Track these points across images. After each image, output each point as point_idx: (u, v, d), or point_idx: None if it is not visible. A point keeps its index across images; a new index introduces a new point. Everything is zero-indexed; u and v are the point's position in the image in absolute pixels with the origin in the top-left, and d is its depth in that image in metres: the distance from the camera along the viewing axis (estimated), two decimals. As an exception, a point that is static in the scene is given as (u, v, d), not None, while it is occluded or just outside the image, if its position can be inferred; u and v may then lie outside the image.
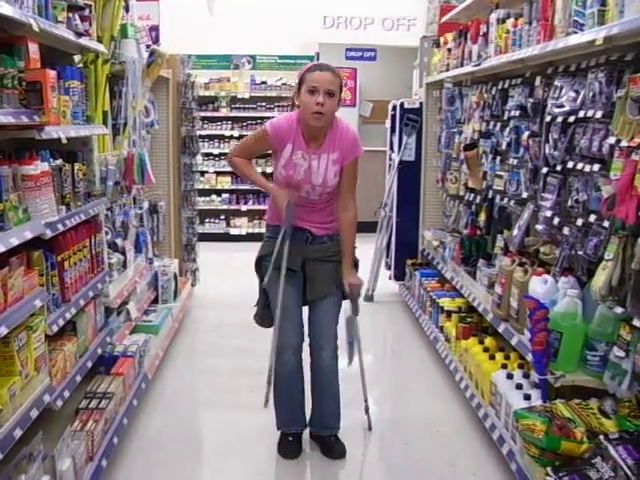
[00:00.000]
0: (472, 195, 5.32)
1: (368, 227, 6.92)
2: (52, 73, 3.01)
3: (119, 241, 4.44)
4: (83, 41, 3.54)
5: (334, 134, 3.47)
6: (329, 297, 3.64)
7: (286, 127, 3.45)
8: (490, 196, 4.80)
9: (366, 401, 4.01)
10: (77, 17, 3.47)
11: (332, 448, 3.73)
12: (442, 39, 6.20)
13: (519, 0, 4.52)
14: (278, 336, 3.61)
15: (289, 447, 3.74)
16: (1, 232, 2.62)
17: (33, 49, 2.92)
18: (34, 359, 2.84)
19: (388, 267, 7.09)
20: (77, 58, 3.84)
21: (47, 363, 3.00)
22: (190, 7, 9.39)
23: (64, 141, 3.18)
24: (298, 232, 3.56)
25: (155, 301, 5.45)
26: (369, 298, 6.75)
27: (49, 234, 2.99)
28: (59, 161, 3.30)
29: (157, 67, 5.09)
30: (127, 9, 4.65)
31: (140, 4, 5.31)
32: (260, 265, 3.68)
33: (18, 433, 2.58)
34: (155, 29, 5.75)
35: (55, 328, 3.06)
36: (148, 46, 5.09)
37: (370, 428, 4.00)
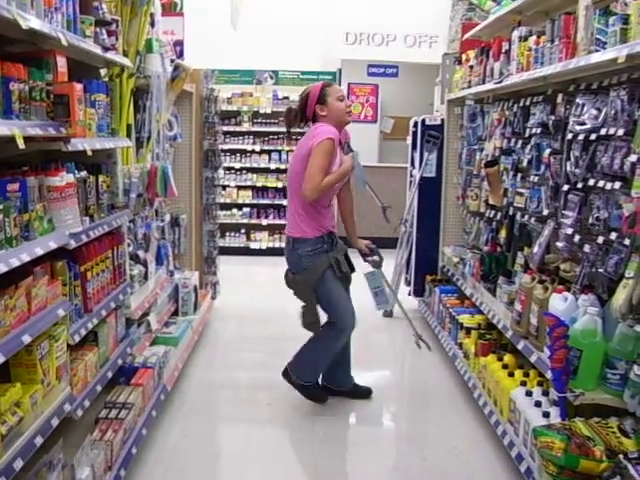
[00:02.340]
0: (493, 212, 5.32)
1: (389, 243, 6.93)
2: (79, 86, 3.05)
3: (141, 253, 4.47)
4: (109, 55, 3.60)
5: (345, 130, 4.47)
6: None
7: (336, 132, 4.16)
8: (511, 213, 4.79)
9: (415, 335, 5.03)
10: (104, 32, 3.52)
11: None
12: (464, 56, 6.21)
13: (541, 18, 4.56)
14: (349, 318, 4.37)
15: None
16: (26, 242, 2.66)
17: (61, 63, 2.97)
18: (56, 368, 2.87)
19: (408, 283, 7.08)
20: (103, 72, 3.89)
21: (68, 372, 3.03)
22: (214, 22, 9.47)
23: (89, 153, 3.22)
24: (327, 238, 4.32)
25: (175, 313, 5.48)
26: (388, 314, 6.74)
27: (73, 244, 3.03)
28: (84, 173, 3.34)
29: (181, 81, 5.15)
30: (152, 24, 4.71)
31: (165, 19, 5.37)
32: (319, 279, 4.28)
33: (39, 441, 2.61)
34: (179, 44, 5.80)
35: (77, 338, 3.10)
36: (172, 60, 5.14)
37: (429, 348, 5.10)
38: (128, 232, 4.12)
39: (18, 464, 2.42)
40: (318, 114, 4.28)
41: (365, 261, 4.62)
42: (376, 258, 4.63)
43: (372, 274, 4.60)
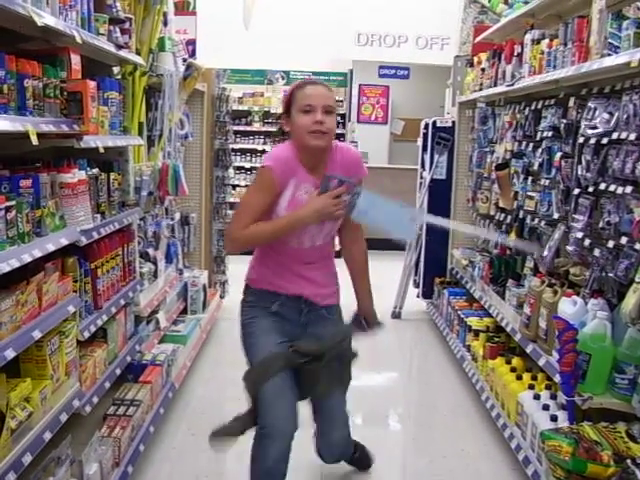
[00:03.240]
0: (503, 215, 5.31)
1: (397, 245, 6.93)
2: (92, 84, 3.07)
3: (150, 251, 4.49)
4: (123, 53, 3.61)
5: (334, 156, 2.92)
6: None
7: (286, 157, 2.84)
8: (521, 216, 4.78)
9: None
10: (118, 30, 3.54)
11: None
12: (476, 59, 6.21)
13: (554, 21, 4.55)
14: (274, 419, 2.90)
15: None
16: (38, 238, 2.68)
17: (75, 60, 2.98)
18: (65, 364, 2.88)
19: (416, 285, 7.07)
20: (116, 70, 3.91)
21: (77, 368, 3.04)
22: (226, 22, 9.49)
23: (101, 151, 3.23)
24: (289, 302, 3.00)
25: (184, 311, 5.49)
26: (396, 315, 6.74)
27: (84, 241, 3.04)
28: (95, 170, 3.36)
29: (193, 80, 5.16)
30: (165, 23, 4.73)
31: (178, 18, 5.40)
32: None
33: (47, 436, 2.63)
34: (192, 43, 5.82)
35: (86, 334, 3.11)
36: (185, 59, 5.16)
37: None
38: (138, 230, 4.14)
39: (27, 459, 2.44)
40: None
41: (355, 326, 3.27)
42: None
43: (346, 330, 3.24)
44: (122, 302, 3.64)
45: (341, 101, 10.00)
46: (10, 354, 2.35)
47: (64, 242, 2.84)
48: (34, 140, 2.49)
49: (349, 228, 3.10)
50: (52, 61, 2.88)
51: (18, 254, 2.43)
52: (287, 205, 2.85)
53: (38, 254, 2.57)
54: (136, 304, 3.99)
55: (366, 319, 3.24)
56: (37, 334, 2.57)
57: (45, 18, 2.63)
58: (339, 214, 2.82)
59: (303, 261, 3.00)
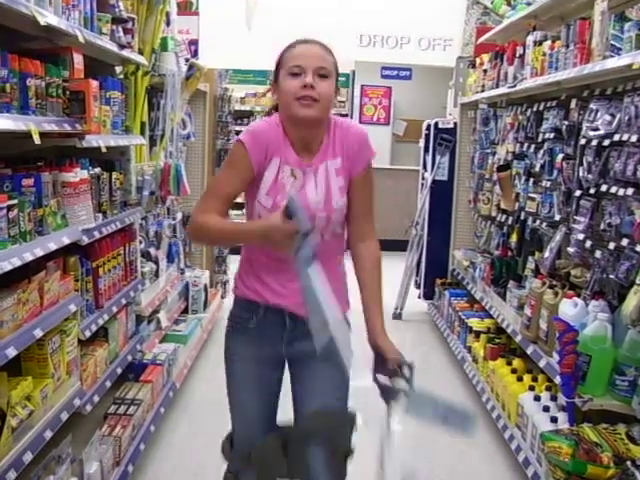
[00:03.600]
0: (504, 216, 5.31)
1: (399, 245, 6.94)
2: (95, 83, 3.07)
3: (152, 250, 4.49)
4: (125, 53, 3.62)
5: (332, 135, 2.36)
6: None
7: (268, 131, 2.31)
8: (522, 218, 4.79)
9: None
10: (120, 29, 3.54)
11: None
12: (478, 60, 6.21)
13: (556, 23, 4.55)
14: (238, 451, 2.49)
15: None
16: (40, 236, 2.69)
17: (78, 59, 2.99)
18: (66, 363, 2.89)
19: (417, 286, 7.07)
20: (118, 69, 3.91)
21: (78, 367, 3.05)
22: (228, 22, 9.47)
23: (104, 150, 3.24)
24: (269, 316, 2.40)
25: (185, 311, 5.49)
26: (397, 316, 6.74)
27: (86, 240, 3.04)
28: (97, 169, 3.37)
29: (195, 80, 5.17)
30: (168, 23, 4.74)
31: (180, 18, 5.40)
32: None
33: (48, 435, 2.63)
34: (194, 43, 5.83)
35: (88, 333, 3.11)
36: (187, 59, 5.16)
37: None
38: (140, 229, 4.14)
39: (27, 457, 2.44)
40: None
41: (381, 391, 2.47)
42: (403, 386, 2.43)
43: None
44: (123, 301, 3.64)
45: (343, 102, 9.99)
46: (11, 352, 2.35)
47: (66, 241, 2.84)
48: (36, 139, 2.49)
49: (355, 226, 2.44)
50: (55, 60, 2.88)
51: (20, 253, 2.43)
52: (268, 190, 2.29)
53: (40, 253, 2.57)
54: (137, 303, 3.99)
55: (397, 363, 2.38)
56: (38, 333, 2.58)
57: (48, 17, 2.63)
58: (282, 250, 2.13)
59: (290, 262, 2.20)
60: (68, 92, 2.91)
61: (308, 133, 2.31)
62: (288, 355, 2.44)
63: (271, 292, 2.38)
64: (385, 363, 2.34)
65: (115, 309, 3.49)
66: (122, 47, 3.57)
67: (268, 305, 2.39)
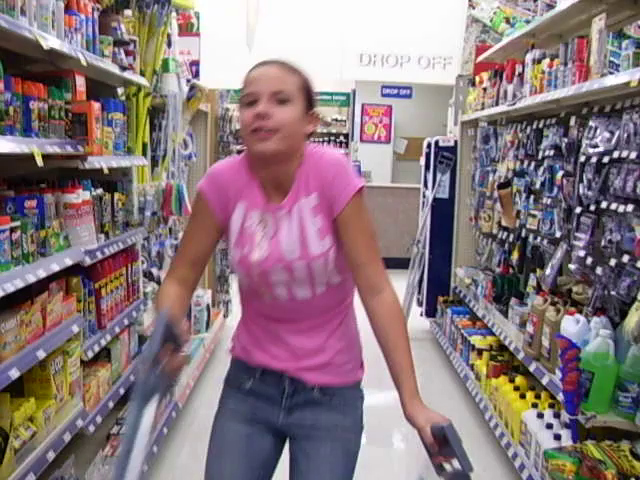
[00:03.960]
0: (505, 233, 5.32)
1: (400, 263, 6.94)
2: (97, 105, 3.10)
3: (154, 271, 4.50)
4: (127, 75, 3.64)
5: (305, 169, 1.94)
6: None
7: (229, 173, 2.00)
8: (523, 235, 4.80)
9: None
10: (122, 52, 3.58)
11: None
12: (477, 78, 6.25)
13: (555, 41, 4.58)
14: None
15: None
16: (43, 258, 2.70)
17: (80, 82, 3.02)
18: (69, 384, 2.89)
19: (420, 303, 7.07)
20: (120, 91, 3.94)
21: (81, 388, 3.05)
22: (229, 43, 9.53)
23: (106, 171, 3.26)
24: (267, 379, 2.07)
25: (187, 331, 5.48)
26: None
27: (88, 261, 3.05)
28: (100, 190, 3.38)
29: (197, 101, 5.20)
30: (169, 44, 4.77)
31: (182, 39, 5.44)
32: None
33: (51, 456, 2.63)
34: (195, 64, 5.86)
35: (90, 354, 3.12)
36: (188, 80, 5.19)
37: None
38: (142, 250, 4.15)
39: (30, 479, 2.44)
40: None
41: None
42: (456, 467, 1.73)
43: None
44: (126, 322, 3.65)
45: (344, 121, 10.03)
46: (14, 374, 2.36)
47: (68, 262, 2.85)
48: (39, 162, 2.51)
49: (359, 267, 1.94)
50: (57, 83, 2.91)
51: (22, 274, 2.44)
52: (236, 240, 1.97)
53: (42, 274, 2.58)
54: (140, 324, 3.99)
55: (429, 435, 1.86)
56: (41, 354, 2.58)
57: (51, 41, 2.66)
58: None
59: (285, 319, 2.03)
60: (70, 114, 2.94)
61: (274, 170, 1.92)
62: (286, 426, 2.05)
63: (269, 355, 2.05)
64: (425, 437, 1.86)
65: (118, 330, 3.50)
66: (124, 69, 3.60)
67: (266, 368, 2.05)
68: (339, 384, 2.06)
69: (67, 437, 2.79)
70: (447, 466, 1.74)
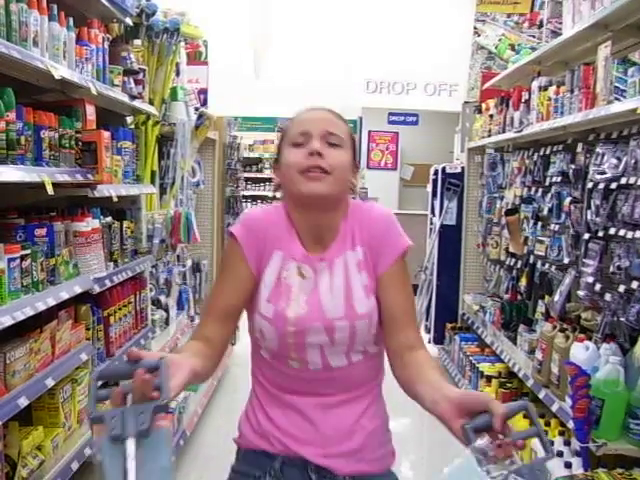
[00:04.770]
0: (513, 260, 5.31)
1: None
2: (106, 134, 3.13)
3: (162, 298, 4.51)
4: (136, 103, 3.68)
5: (350, 221, 1.81)
6: None
7: (266, 219, 1.82)
8: (531, 261, 4.79)
9: None
10: (132, 81, 3.62)
11: None
12: (484, 105, 6.28)
13: (561, 68, 4.60)
14: None
15: None
16: (52, 286, 2.71)
17: (90, 111, 3.05)
18: (77, 412, 2.89)
19: (428, 330, 7.05)
20: (129, 119, 3.98)
21: (90, 416, 3.04)
22: (237, 71, 9.63)
23: (115, 199, 3.28)
24: (288, 472, 1.79)
25: (195, 358, 5.48)
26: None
27: (97, 289, 3.06)
28: (109, 218, 3.41)
29: (205, 129, 5.24)
30: (178, 73, 4.83)
31: (190, 68, 5.50)
32: None
33: (59, 485, 2.62)
34: (204, 92, 5.92)
35: (99, 382, 3.11)
36: (197, 108, 5.24)
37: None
38: (150, 277, 4.16)
39: (39, 508, 2.43)
40: None
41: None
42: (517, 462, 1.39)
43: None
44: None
45: (351, 147, 10.09)
46: (23, 402, 2.36)
47: (78, 290, 2.86)
48: (50, 190, 2.53)
49: (397, 329, 1.77)
50: (68, 112, 2.94)
51: (32, 302, 2.45)
52: (270, 295, 1.75)
53: (52, 302, 2.59)
54: (148, 351, 3.99)
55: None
56: (50, 382, 2.58)
57: (62, 71, 2.69)
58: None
59: (313, 392, 1.78)
60: (81, 143, 2.97)
61: (319, 218, 1.77)
62: None
63: (291, 438, 1.77)
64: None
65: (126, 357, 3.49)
66: (133, 98, 3.63)
67: (286, 456, 1.77)
68: (372, 473, 1.80)
69: (75, 466, 2.78)
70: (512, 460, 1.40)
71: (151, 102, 4.09)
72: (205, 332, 1.76)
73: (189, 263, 5.50)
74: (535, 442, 1.46)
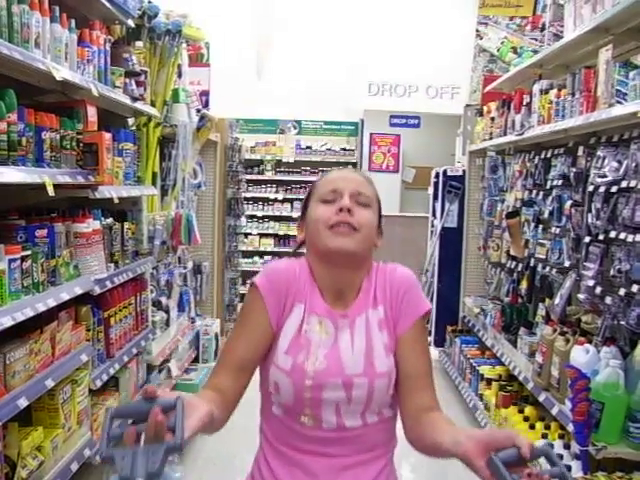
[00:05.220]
0: (514, 263, 5.31)
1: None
2: (108, 135, 3.13)
3: (163, 299, 4.51)
4: (138, 105, 3.68)
5: (373, 280, 1.83)
6: None
7: (289, 272, 1.81)
8: (532, 264, 4.79)
9: None
10: (133, 82, 3.62)
11: None
12: (485, 108, 6.28)
13: (562, 71, 4.61)
14: None
15: None
16: (53, 287, 2.71)
17: (91, 112, 3.05)
18: (77, 412, 2.89)
19: (428, 333, 7.05)
20: (131, 121, 3.98)
21: (89, 417, 3.05)
22: (239, 73, 9.64)
23: (116, 201, 3.28)
24: None
25: (196, 360, 5.49)
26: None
27: (97, 290, 3.07)
28: (110, 220, 3.41)
29: (206, 131, 5.24)
30: (180, 75, 4.83)
31: (192, 70, 5.50)
32: None
33: (59, 486, 2.62)
34: (205, 94, 5.91)
35: (99, 383, 3.12)
36: (198, 110, 5.24)
37: None
38: (151, 279, 4.16)
39: (38, 508, 2.43)
40: None
41: None
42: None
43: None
44: (134, 351, 3.65)
45: (352, 150, 10.08)
46: (23, 403, 2.36)
47: (78, 291, 2.86)
48: (51, 191, 2.53)
49: (413, 392, 1.76)
50: (69, 113, 2.94)
51: (33, 303, 2.45)
52: (289, 347, 1.72)
53: (52, 303, 2.59)
54: (148, 353, 4.00)
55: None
56: (50, 383, 2.59)
57: (63, 72, 2.70)
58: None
59: (322, 453, 1.73)
60: (82, 144, 2.97)
61: (342, 274, 1.78)
62: None
63: None
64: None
65: (126, 358, 3.50)
66: (135, 99, 3.64)
67: None
68: None
69: (74, 467, 2.79)
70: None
71: (153, 104, 4.09)
72: (217, 383, 1.72)
73: (190, 265, 5.50)
74: None
